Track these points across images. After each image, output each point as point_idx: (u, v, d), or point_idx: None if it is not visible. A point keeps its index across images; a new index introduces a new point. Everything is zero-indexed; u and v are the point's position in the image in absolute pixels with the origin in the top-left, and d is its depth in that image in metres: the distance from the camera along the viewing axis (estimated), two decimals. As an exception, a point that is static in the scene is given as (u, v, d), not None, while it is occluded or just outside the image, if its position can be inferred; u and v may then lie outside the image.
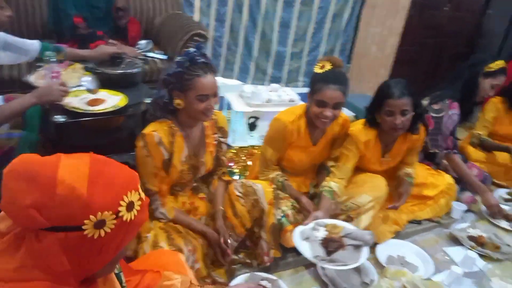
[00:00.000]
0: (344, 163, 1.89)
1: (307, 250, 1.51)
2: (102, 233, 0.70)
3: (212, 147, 1.67)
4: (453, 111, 2.18)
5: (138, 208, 0.76)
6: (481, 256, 1.94)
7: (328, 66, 1.70)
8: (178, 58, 1.46)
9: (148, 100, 1.87)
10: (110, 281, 0.89)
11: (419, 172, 2.16)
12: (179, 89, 1.44)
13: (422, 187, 2.16)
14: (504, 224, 2.23)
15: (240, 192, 1.67)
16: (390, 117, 1.79)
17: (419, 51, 3.84)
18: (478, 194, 2.29)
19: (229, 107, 2.94)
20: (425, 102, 2.31)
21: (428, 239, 2.08)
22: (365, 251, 1.49)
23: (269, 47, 3.72)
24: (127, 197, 0.73)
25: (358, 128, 1.93)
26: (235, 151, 2.73)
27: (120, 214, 0.72)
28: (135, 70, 2.10)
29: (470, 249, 1.97)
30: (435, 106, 2.22)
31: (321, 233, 1.56)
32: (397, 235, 2.03)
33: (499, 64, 2.18)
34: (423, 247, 1.98)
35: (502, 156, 2.57)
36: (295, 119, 1.82)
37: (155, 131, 1.46)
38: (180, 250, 1.42)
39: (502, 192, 2.51)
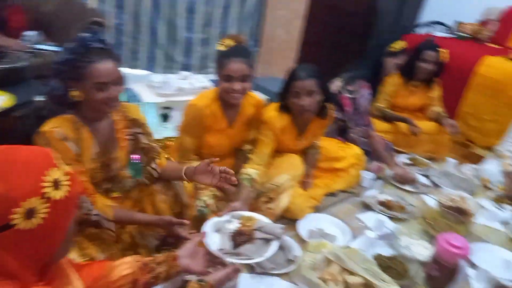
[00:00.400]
0: (261, 149, 1.91)
1: (214, 242, 1.42)
2: (39, 220, 0.68)
3: (124, 142, 1.55)
4: (366, 90, 2.34)
5: (68, 182, 0.72)
6: (390, 218, 2.11)
7: (230, 43, 1.71)
8: (68, 44, 1.31)
9: (40, 98, 1.67)
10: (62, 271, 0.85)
11: (330, 146, 2.28)
12: (73, 79, 1.29)
13: (334, 160, 2.29)
14: (407, 187, 2.45)
15: (160, 187, 1.59)
16: (297, 99, 1.85)
17: (323, 32, 4.00)
18: (388, 165, 2.48)
19: (137, 99, 2.78)
20: (338, 83, 2.44)
21: (344, 209, 2.20)
22: (274, 244, 1.45)
23: (176, 33, 3.58)
24: (49, 176, 0.69)
25: (272, 114, 1.96)
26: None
27: (47, 195, 0.68)
28: (21, 65, 1.87)
29: (380, 213, 2.13)
30: (350, 87, 2.36)
31: (234, 226, 1.52)
32: (316, 209, 2.12)
33: (401, 44, 2.37)
34: (339, 217, 2.09)
35: (402, 125, 2.82)
36: (209, 102, 1.80)
37: (57, 127, 1.30)
38: (92, 259, 1.31)
39: (403, 158, 2.76)
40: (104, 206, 1.41)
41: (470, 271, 1.78)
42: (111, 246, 1.43)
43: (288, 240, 1.82)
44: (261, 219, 1.57)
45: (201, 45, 3.75)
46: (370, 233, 1.90)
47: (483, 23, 3.84)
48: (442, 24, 4.06)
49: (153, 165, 1.61)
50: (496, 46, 3.59)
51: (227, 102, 1.79)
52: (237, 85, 1.70)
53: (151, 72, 3.48)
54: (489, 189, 2.50)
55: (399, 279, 1.67)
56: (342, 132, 2.47)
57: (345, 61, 2.63)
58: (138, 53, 3.53)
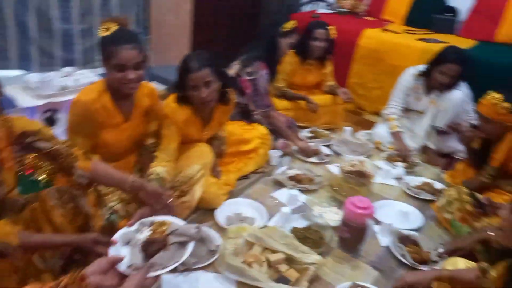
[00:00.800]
0: (166, 145, 1.80)
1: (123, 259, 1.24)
2: None
3: (10, 161, 1.32)
4: (264, 71, 2.35)
5: None
6: (302, 191, 2.20)
7: (113, 27, 1.55)
8: None
9: None
10: None
11: (235, 130, 2.27)
12: None
13: (241, 143, 2.30)
14: (312, 159, 2.57)
15: (56, 200, 1.40)
16: (195, 92, 1.79)
17: (214, 15, 3.94)
18: (292, 141, 2.57)
19: (12, 105, 2.41)
20: (236, 66, 2.41)
21: (258, 190, 2.23)
22: (190, 246, 1.36)
23: (50, 25, 3.18)
24: None
25: (172, 107, 1.86)
26: (35, 155, 2.29)
27: None
28: None
29: (292, 188, 2.21)
30: (248, 69, 2.35)
31: (144, 234, 1.37)
32: (231, 195, 2.11)
33: (291, 24, 2.42)
34: (255, 198, 2.11)
35: (301, 102, 2.93)
36: (96, 96, 1.61)
37: None
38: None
39: (305, 132, 2.89)
40: (3, 234, 1.19)
41: (376, 227, 1.96)
42: (4, 280, 1.22)
43: (207, 230, 1.78)
44: (174, 222, 1.45)
45: (82, 36, 3.39)
46: (285, 209, 1.95)
47: (358, -2, 4.17)
48: (323, 0, 4.31)
49: (78, 172, 1.42)
50: (372, 19, 3.94)
51: (119, 94, 1.63)
52: (132, 74, 1.56)
53: (26, 72, 3.06)
54: (382, 150, 2.76)
55: (316, 247, 1.76)
56: (245, 115, 2.49)
57: (240, 43, 2.62)
58: (7, 51, 3.06)
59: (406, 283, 1.39)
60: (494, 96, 1.89)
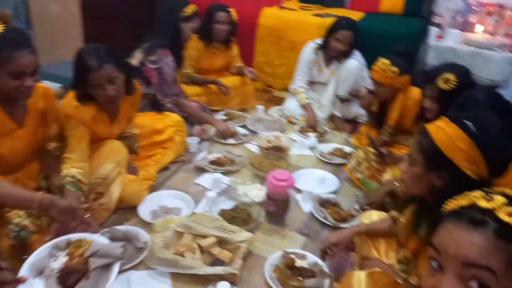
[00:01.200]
0: (76, 144, 1.66)
1: None
2: None
3: None
4: (168, 58, 2.26)
5: None
6: (224, 173, 2.21)
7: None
8: None
9: None
10: None
11: (146, 121, 2.19)
12: None
13: (154, 134, 2.22)
14: (230, 140, 2.59)
15: None
16: (101, 91, 1.66)
17: (105, 4, 3.67)
18: (211, 124, 2.54)
19: None
20: (139, 55, 2.29)
21: (180, 179, 2.19)
22: (116, 268, 1.23)
23: None
24: None
25: (74, 106, 1.70)
26: None
27: None
28: None
29: (214, 172, 2.21)
30: (152, 58, 2.24)
31: (60, 261, 1.17)
32: (153, 189, 2.04)
33: (191, 8, 2.34)
34: (178, 188, 2.07)
35: (212, 86, 2.91)
36: None
37: None
38: None
39: (219, 115, 2.89)
40: None
41: (298, 196, 2.06)
42: None
43: (133, 229, 1.70)
44: (95, 240, 1.28)
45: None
46: (211, 193, 1.95)
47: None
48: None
49: None
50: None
51: (7, 99, 1.45)
52: (30, 81, 1.39)
53: None
54: (294, 123, 2.89)
55: (245, 224, 1.79)
56: (155, 106, 2.40)
57: (138, 32, 2.49)
58: None
59: (330, 243, 1.49)
60: (383, 62, 2.08)
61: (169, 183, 2.15)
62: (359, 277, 1.16)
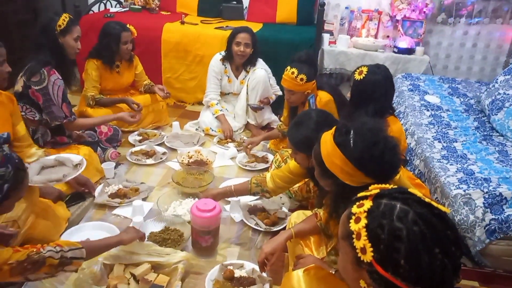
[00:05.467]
0: None
1: None
2: None
3: None
4: (54, 77, 2.08)
5: None
6: (144, 199, 2.11)
7: None
8: None
9: None
10: None
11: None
12: None
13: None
14: (151, 160, 2.50)
15: None
16: None
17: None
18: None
19: None
20: (21, 80, 2.08)
21: (97, 211, 2.03)
22: None
23: None
24: None
25: None
26: None
27: None
28: None
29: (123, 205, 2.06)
30: (34, 79, 2.04)
31: None
32: (71, 223, 1.89)
33: (64, 18, 2.16)
34: (98, 219, 1.95)
35: (122, 106, 2.75)
36: None
37: None
38: None
39: (134, 136, 2.77)
40: None
41: (227, 207, 2.07)
42: None
43: (62, 156, 1.75)
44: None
45: None
46: (137, 218, 1.87)
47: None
48: (114, -1, 4.12)
49: None
50: (168, 13, 3.99)
51: None
52: None
53: None
54: (212, 136, 2.90)
55: (178, 245, 1.75)
56: (60, 131, 2.21)
57: (20, 55, 2.25)
58: None
59: (266, 254, 1.51)
60: (292, 71, 2.21)
61: (88, 215, 1.99)
62: (297, 275, 1.22)
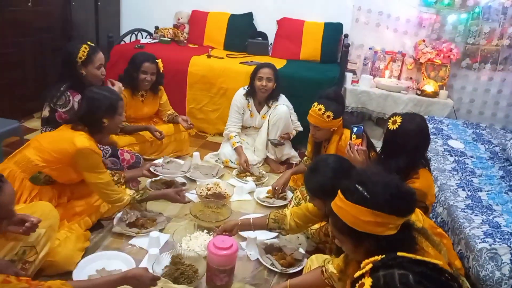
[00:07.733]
0: None
1: None
2: None
3: None
4: (78, 97, 2.22)
5: None
6: (161, 230, 2.09)
7: None
8: None
9: None
10: None
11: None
12: None
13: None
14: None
15: None
16: None
17: (18, 53, 3.43)
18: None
19: None
20: (47, 107, 2.19)
21: (115, 239, 2.03)
22: None
23: None
24: None
25: None
26: None
27: None
28: None
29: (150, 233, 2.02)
30: (60, 102, 2.22)
31: None
32: (87, 251, 1.89)
33: (84, 50, 2.26)
34: (114, 248, 1.94)
35: (145, 134, 2.82)
36: None
37: None
38: None
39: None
40: None
41: (243, 244, 2.04)
42: None
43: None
44: None
45: None
46: (153, 250, 1.86)
47: (178, 26, 4.31)
48: (144, 30, 4.28)
49: None
50: (195, 46, 4.12)
51: None
52: None
53: None
54: (232, 168, 2.90)
55: (191, 282, 1.72)
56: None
57: (55, 81, 2.38)
58: None
59: None
60: (319, 108, 2.22)
61: (104, 244, 1.99)
62: None
